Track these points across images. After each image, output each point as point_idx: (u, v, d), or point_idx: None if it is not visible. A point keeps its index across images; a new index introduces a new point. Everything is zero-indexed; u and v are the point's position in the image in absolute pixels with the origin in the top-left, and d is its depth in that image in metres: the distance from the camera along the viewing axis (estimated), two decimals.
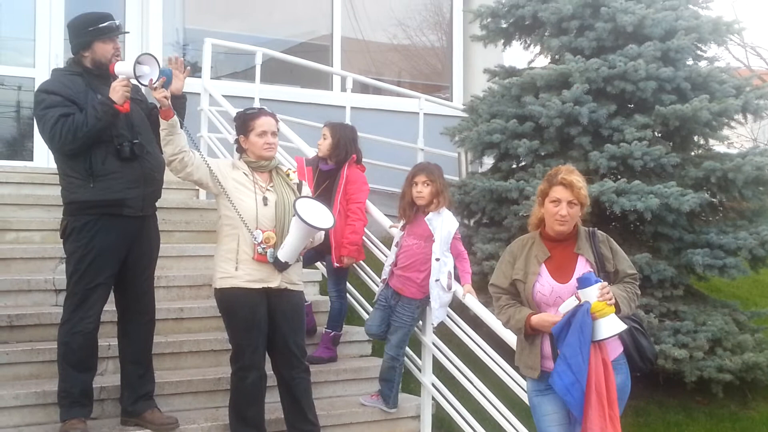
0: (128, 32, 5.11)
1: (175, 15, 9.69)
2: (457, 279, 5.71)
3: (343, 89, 9.52)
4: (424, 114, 9.68)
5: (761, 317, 7.66)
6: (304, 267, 5.70)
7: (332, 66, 10.29)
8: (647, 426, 6.51)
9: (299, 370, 5.04)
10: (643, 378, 4.50)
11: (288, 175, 5.12)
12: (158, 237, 5.18)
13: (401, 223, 5.80)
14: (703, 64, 7.85)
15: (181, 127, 4.79)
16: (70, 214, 4.85)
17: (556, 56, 7.93)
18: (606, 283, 4.12)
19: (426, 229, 5.58)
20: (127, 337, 5.01)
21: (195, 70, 9.31)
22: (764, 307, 8.11)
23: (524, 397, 4.74)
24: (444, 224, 5.57)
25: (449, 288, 5.59)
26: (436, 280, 5.54)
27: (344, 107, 9.05)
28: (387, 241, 6.42)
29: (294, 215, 4.75)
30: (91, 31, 4.86)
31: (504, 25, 8.44)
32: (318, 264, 6.73)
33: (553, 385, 4.09)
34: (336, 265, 6.05)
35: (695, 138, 7.65)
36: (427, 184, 5.58)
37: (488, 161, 8.29)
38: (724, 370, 6.58)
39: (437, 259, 5.53)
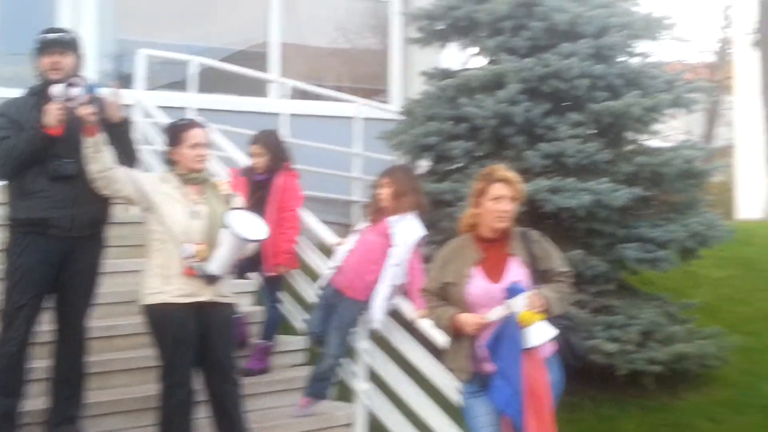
0: (60, 47, 4.88)
1: (109, 25, 9.55)
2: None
3: (281, 96, 9.45)
4: (364, 118, 9.61)
5: (691, 308, 7.74)
6: (236, 278, 5.65)
7: (268, 73, 10.19)
8: (581, 421, 6.52)
9: (230, 383, 4.97)
10: (577, 374, 4.53)
11: (217, 187, 5.06)
12: (97, 258, 5.05)
13: (360, 225, 5.71)
14: (635, 60, 7.93)
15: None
16: (7, 231, 4.81)
17: (493, 56, 7.95)
18: (534, 292, 4.14)
19: (387, 229, 5.46)
20: (57, 356, 4.93)
21: (130, 81, 9.20)
22: (694, 297, 8.19)
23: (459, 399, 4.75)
24: (406, 230, 5.45)
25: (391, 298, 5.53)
26: (393, 285, 5.44)
27: (281, 114, 8.96)
28: (321, 249, 6.37)
29: (226, 227, 4.69)
30: (35, 41, 4.80)
31: (440, 27, 8.42)
32: (250, 274, 6.66)
33: (493, 402, 4.11)
34: (268, 274, 6.00)
35: (628, 134, 7.70)
36: (388, 186, 5.48)
37: (425, 164, 8.29)
38: (654, 361, 6.64)
39: (397, 265, 5.42)
